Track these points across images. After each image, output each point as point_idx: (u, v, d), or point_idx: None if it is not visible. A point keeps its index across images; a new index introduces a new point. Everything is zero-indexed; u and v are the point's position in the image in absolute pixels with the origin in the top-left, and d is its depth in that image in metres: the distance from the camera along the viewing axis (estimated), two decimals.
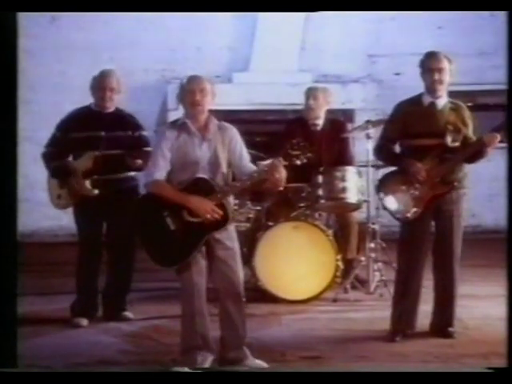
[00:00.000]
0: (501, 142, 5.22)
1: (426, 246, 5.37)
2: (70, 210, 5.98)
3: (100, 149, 5.75)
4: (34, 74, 8.93)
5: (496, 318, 5.42)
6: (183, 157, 4.70)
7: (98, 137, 5.78)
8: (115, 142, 5.81)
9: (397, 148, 5.48)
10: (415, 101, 5.38)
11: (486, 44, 9.37)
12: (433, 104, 5.32)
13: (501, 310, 4.74)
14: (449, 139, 5.25)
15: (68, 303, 5.91)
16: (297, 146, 4.67)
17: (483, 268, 7.40)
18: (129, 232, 5.84)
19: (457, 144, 5.28)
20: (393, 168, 5.50)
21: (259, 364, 4.80)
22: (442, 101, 5.33)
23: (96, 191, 5.75)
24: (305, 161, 4.71)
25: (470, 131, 5.35)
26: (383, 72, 9.75)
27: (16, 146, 4.49)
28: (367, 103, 9.34)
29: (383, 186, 5.49)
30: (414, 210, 5.28)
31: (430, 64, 5.27)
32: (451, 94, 5.39)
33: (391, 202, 5.39)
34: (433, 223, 5.39)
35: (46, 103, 9.37)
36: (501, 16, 4.85)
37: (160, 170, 4.68)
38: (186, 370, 4.64)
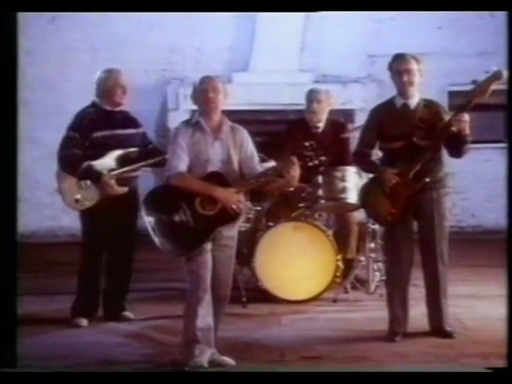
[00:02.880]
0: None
1: (410, 246, 5.38)
2: (70, 211, 5.97)
3: (122, 147, 5.78)
4: (33, 74, 8.93)
5: (496, 319, 5.42)
6: (196, 154, 4.78)
7: (117, 135, 5.81)
8: (129, 139, 5.87)
9: (376, 153, 5.51)
10: (388, 104, 5.42)
11: (486, 44, 9.35)
12: (405, 105, 5.34)
13: (501, 310, 4.74)
14: (417, 137, 5.23)
15: (68, 303, 5.91)
16: (310, 148, 4.78)
17: (483, 268, 7.39)
18: (129, 231, 5.89)
19: (430, 141, 5.24)
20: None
21: (225, 360, 4.85)
22: (414, 100, 5.34)
23: (125, 188, 5.73)
24: (316, 162, 4.80)
25: None
26: (383, 72, 9.60)
27: (16, 146, 4.49)
28: (367, 103, 9.28)
29: (363, 194, 5.61)
30: (392, 211, 5.30)
31: (397, 66, 5.31)
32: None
33: (372, 209, 5.47)
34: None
35: (45, 103, 9.36)
36: (501, 16, 4.86)
37: (182, 162, 4.76)
38: (186, 369, 4.65)
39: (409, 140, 5.24)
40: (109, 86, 5.81)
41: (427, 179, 5.26)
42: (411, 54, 5.31)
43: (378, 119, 5.41)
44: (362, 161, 5.55)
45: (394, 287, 5.41)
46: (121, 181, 5.75)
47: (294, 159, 4.72)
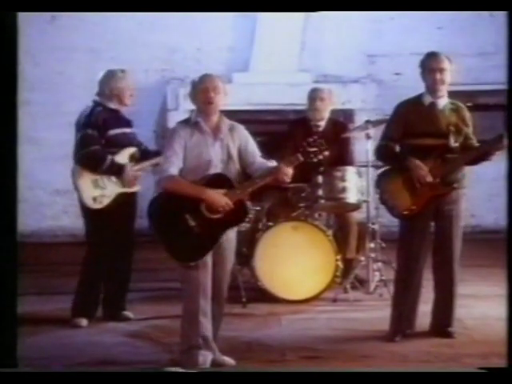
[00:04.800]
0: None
1: (426, 245, 5.38)
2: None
3: (130, 145, 5.85)
4: (33, 74, 8.94)
5: (496, 318, 5.43)
6: (198, 156, 4.72)
7: (125, 133, 5.87)
8: (133, 138, 5.94)
9: (397, 148, 5.49)
10: (416, 101, 5.40)
11: (486, 44, 9.36)
12: (433, 104, 5.34)
13: (500, 310, 4.74)
14: (452, 140, 5.28)
15: (68, 303, 5.91)
16: (314, 143, 4.76)
17: (483, 268, 7.40)
18: (128, 231, 5.89)
19: (457, 144, 5.31)
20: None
21: (226, 360, 4.85)
22: (443, 101, 5.35)
23: (139, 187, 5.79)
24: (321, 157, 4.81)
25: (470, 131, 5.38)
26: (383, 72, 9.75)
27: (16, 146, 4.49)
28: (367, 103, 9.33)
29: (383, 180, 5.53)
30: (412, 207, 5.30)
31: (431, 64, 5.29)
32: (451, 94, 5.40)
33: (389, 197, 5.43)
34: (432, 223, 5.40)
35: (45, 103, 9.36)
36: (501, 16, 4.86)
37: (174, 166, 4.68)
38: (186, 370, 4.64)
39: (441, 140, 5.25)
40: (121, 86, 5.86)
41: (455, 184, 5.30)
42: (445, 54, 5.32)
43: (404, 115, 5.38)
44: (387, 154, 5.46)
45: (406, 285, 5.38)
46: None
47: (283, 166, 4.65)
